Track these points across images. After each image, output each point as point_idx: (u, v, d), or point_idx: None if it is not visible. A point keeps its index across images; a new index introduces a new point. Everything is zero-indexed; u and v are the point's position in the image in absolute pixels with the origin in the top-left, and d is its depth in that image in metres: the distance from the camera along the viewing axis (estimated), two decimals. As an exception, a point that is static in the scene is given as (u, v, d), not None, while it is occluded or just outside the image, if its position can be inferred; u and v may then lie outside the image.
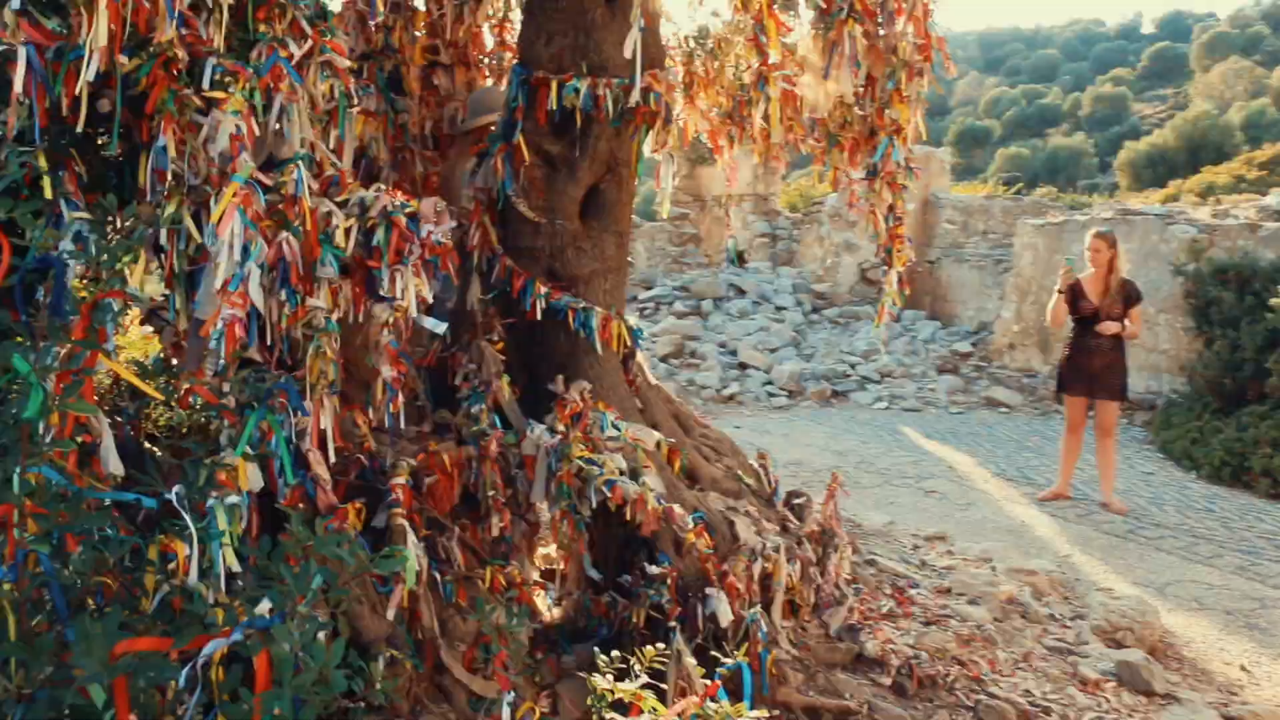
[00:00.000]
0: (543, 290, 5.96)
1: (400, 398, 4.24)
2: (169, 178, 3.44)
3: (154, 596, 2.76)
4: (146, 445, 5.14)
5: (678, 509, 5.50)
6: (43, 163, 3.53)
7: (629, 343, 6.22)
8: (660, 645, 4.04)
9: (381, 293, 4.05)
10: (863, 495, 10.62)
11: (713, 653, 5.25)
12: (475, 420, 5.71)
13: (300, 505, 4.57)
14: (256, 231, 3.40)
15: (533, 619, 5.64)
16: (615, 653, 3.94)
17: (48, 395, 2.45)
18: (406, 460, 5.37)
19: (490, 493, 5.51)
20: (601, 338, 6.02)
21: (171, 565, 2.80)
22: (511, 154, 5.87)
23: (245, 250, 3.37)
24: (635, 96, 5.61)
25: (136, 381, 3.11)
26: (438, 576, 5.21)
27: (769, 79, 5.59)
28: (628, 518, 5.41)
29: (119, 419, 5.06)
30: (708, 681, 4.84)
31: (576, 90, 5.61)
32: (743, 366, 16.42)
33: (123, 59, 3.24)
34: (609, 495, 5.35)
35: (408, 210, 4.13)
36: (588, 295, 6.04)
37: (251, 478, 3.28)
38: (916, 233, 18.90)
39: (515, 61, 6.02)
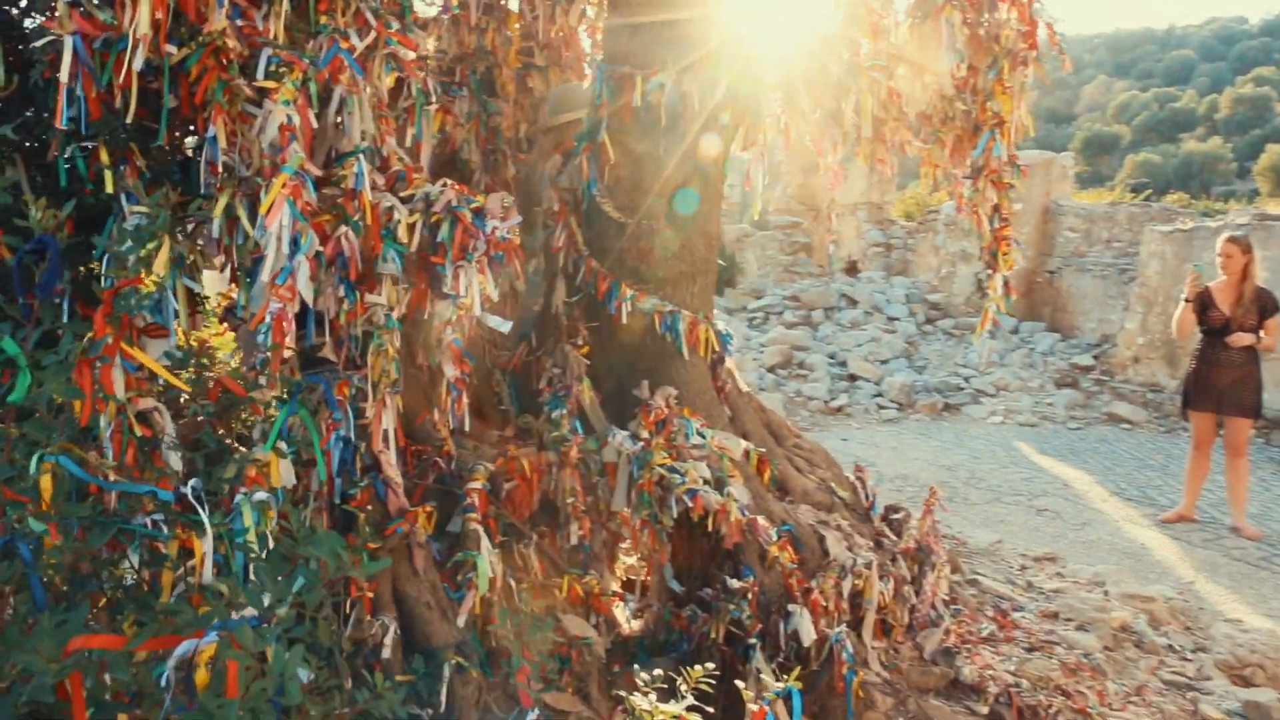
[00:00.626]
0: (629, 293, 5.76)
1: (465, 398, 4.04)
2: (220, 170, 3.33)
3: (171, 592, 2.63)
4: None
5: (762, 521, 5.23)
6: (104, 157, 3.48)
7: (718, 348, 5.97)
8: (710, 665, 3.78)
9: (445, 290, 3.88)
10: (970, 512, 10.14)
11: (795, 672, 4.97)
12: (556, 425, 5.53)
13: (369, 507, 4.48)
14: (307, 224, 3.26)
15: (611, 630, 5.43)
16: (658, 671, 3.70)
17: (35, 380, 2.33)
18: (484, 464, 5.22)
19: (569, 500, 5.33)
20: (689, 342, 5.80)
21: (191, 562, 2.66)
22: (597, 153, 5.69)
23: (295, 243, 3.23)
24: (722, 92, 5.38)
25: (162, 372, 3.00)
26: (513, 584, 5.05)
27: (859, 70, 5.28)
28: (710, 529, 5.17)
29: (204, 417, 5.03)
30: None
31: (662, 86, 5.40)
32: (852, 378, 15.96)
33: (170, 48, 3.14)
34: (690, 505, 5.12)
35: (473, 206, 3.97)
36: (675, 298, 5.82)
37: (284, 474, 3.13)
38: (1036, 241, 18.16)
39: (600, 57, 5.84)
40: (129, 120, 3.15)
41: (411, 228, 3.92)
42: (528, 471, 5.35)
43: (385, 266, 3.80)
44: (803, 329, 17.68)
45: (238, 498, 2.85)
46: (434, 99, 4.97)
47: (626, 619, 5.76)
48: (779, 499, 6.06)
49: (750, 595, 5.06)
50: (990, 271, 6.20)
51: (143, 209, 3.47)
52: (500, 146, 6.93)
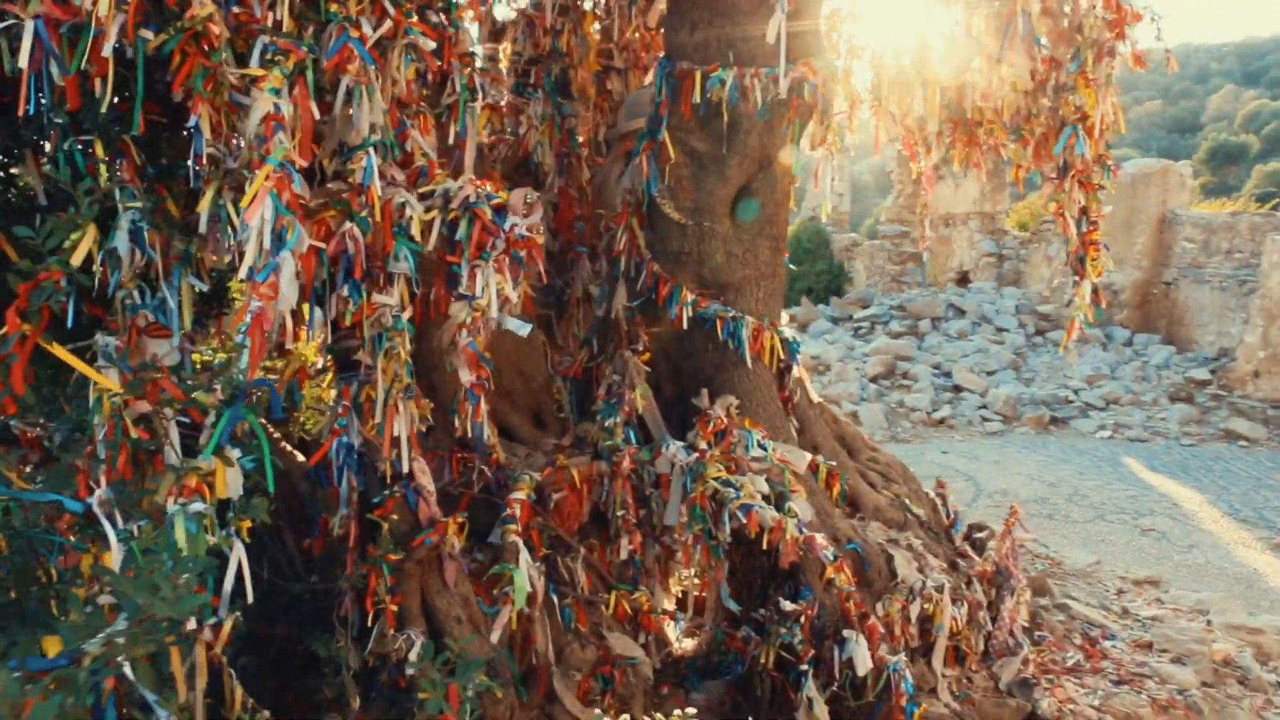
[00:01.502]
0: (690, 297, 5.34)
1: (484, 405, 3.68)
2: (208, 162, 3.04)
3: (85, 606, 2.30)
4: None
5: (821, 539, 4.74)
6: (99, 150, 3.23)
7: (784, 356, 5.50)
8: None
9: (461, 290, 3.53)
10: (1071, 531, 9.38)
11: (850, 703, 4.48)
12: (609, 434, 5.13)
13: (395, 516, 4.17)
14: (294, 218, 2.93)
15: (661, 650, 5.01)
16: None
17: None
18: (530, 474, 4.86)
19: (620, 512, 4.93)
20: (752, 350, 5.34)
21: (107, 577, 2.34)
22: (657, 152, 5.29)
23: (280, 239, 2.91)
24: (784, 87, 4.92)
25: (85, 369, 2.71)
26: (555, 599, 4.68)
27: (923, 64, 4.74)
28: (764, 547, 4.71)
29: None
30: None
31: (722, 82, 4.97)
32: (957, 389, 15.17)
33: (147, 34, 2.86)
34: (744, 521, 4.67)
35: (494, 202, 3.61)
36: (738, 303, 5.37)
37: (231, 484, 2.81)
38: (1151, 251, 17.03)
39: (661, 54, 5.44)
40: (103, 109, 2.87)
41: (429, 225, 3.57)
42: (577, 482, 4.96)
43: (397, 265, 3.46)
44: (908, 339, 16.93)
45: (172, 509, 2.54)
46: (482, 96, 4.61)
47: (677, 638, 5.32)
48: (848, 515, 5.56)
49: (803, 619, 4.57)
50: (1077, 278, 5.57)
51: (137, 204, 3.20)
52: (575, 149, 6.58)
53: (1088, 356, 15.81)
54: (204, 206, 2.99)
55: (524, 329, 3.68)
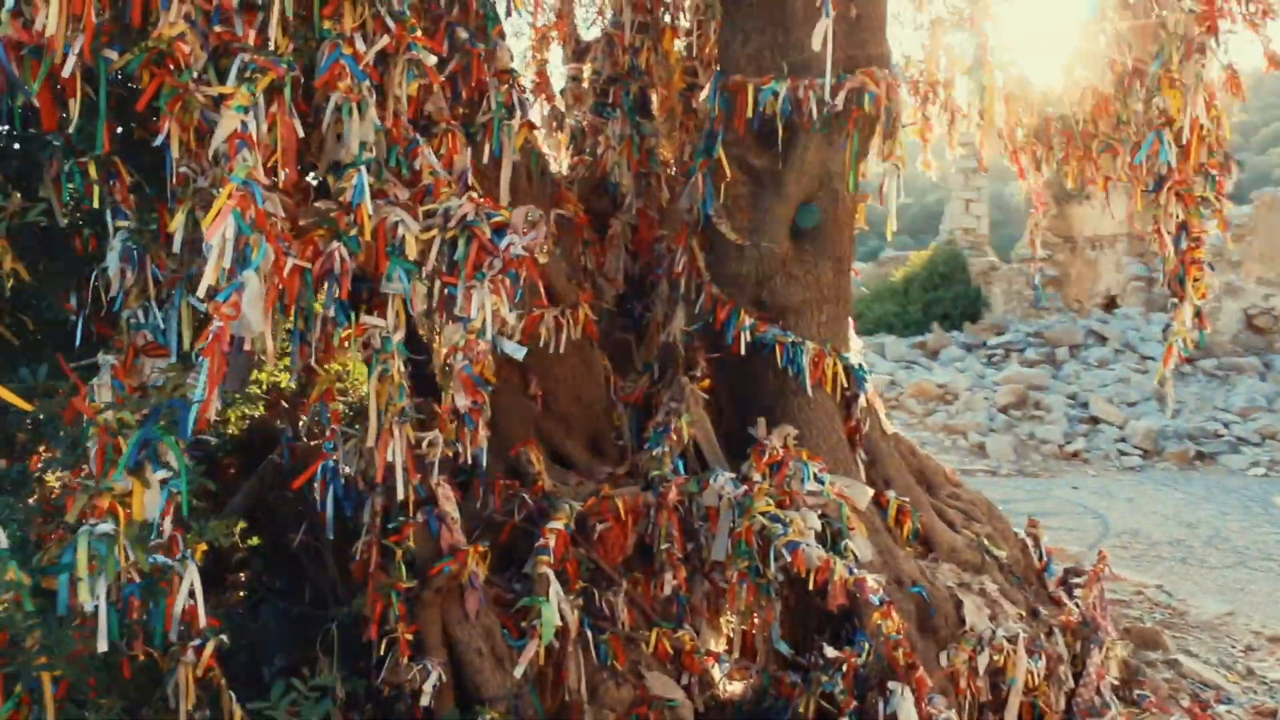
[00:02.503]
0: (748, 321, 5.06)
1: (481, 431, 3.50)
2: (182, 181, 2.97)
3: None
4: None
5: (874, 581, 4.37)
6: (93, 172, 3.21)
7: (848, 384, 5.14)
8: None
9: (457, 312, 3.36)
10: (1205, 577, 8.61)
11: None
12: (659, 463, 4.90)
13: (411, 543, 4.03)
14: (261, 237, 2.83)
15: (704, 692, 4.71)
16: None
17: None
18: (570, 504, 4.66)
19: (664, 545, 4.68)
20: (812, 377, 5.02)
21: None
22: (714, 170, 5.04)
23: (246, 257, 2.81)
24: (840, 98, 4.61)
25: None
26: (590, 634, 4.45)
27: (985, 65, 4.35)
28: (809, 587, 4.38)
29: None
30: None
31: (775, 94, 4.70)
32: (1094, 420, 14.27)
33: (111, 54, 2.80)
34: (789, 559, 4.36)
35: (494, 220, 3.44)
36: (799, 328, 5.06)
37: (149, 505, 2.69)
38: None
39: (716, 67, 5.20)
40: (71, 130, 2.83)
41: (428, 244, 3.43)
42: (622, 513, 4.74)
43: (390, 286, 3.32)
44: (1044, 367, 16.07)
45: (82, 529, 2.43)
46: (521, 113, 4.48)
47: (723, 680, 5.01)
48: (920, 556, 5.16)
49: (845, 666, 4.22)
50: (1177, 300, 5.05)
51: (126, 224, 3.16)
52: (654, 169, 6.38)
53: (1242, 387, 14.69)
54: (174, 226, 2.92)
55: (519, 352, 3.50)
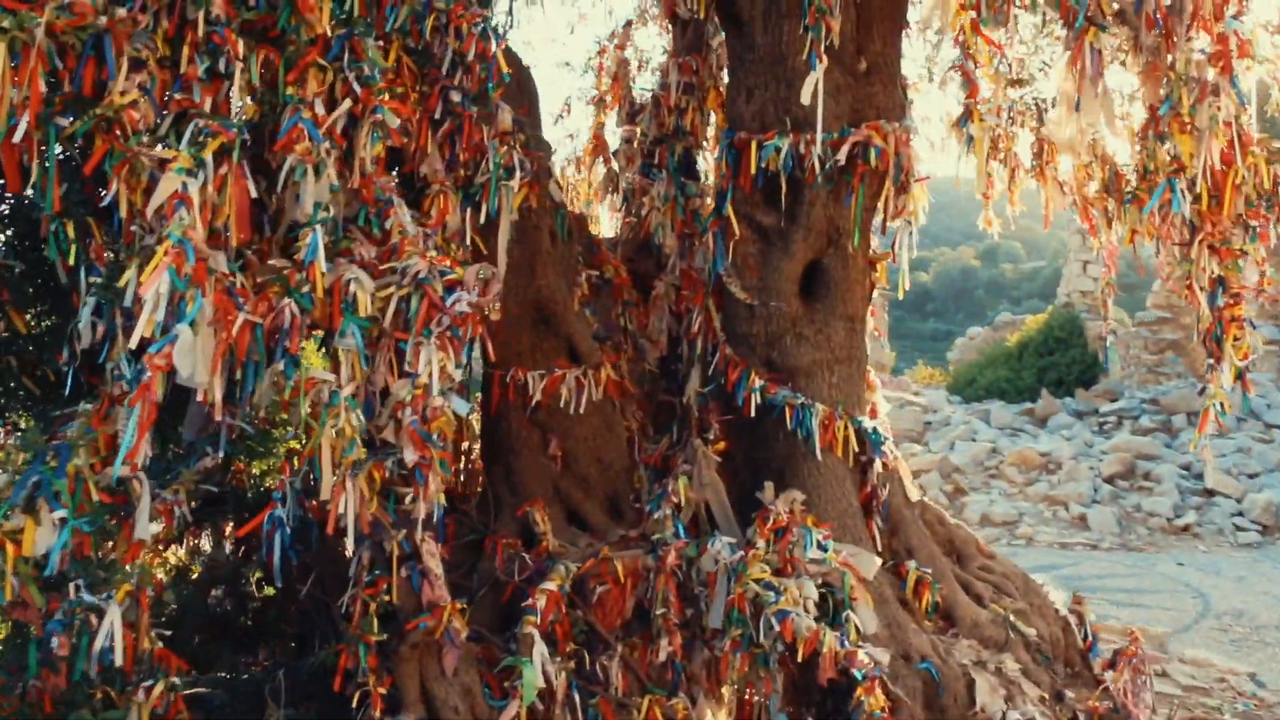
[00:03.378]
0: (758, 383, 4.94)
1: (431, 486, 3.48)
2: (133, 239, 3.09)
3: None
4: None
5: (865, 655, 4.15)
6: (70, 231, 3.35)
7: (859, 448, 4.95)
8: None
9: (406, 368, 3.38)
10: (1304, 664, 7.92)
11: None
12: (661, 526, 4.80)
13: (386, 597, 4.02)
14: (198, 292, 2.90)
15: (697, 765, 4.53)
16: None
17: None
18: (566, 565, 4.60)
19: (661, 610, 4.56)
20: (822, 441, 4.85)
21: None
22: (724, 228, 4.98)
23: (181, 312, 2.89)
24: (844, 153, 4.50)
25: None
26: (577, 698, 4.35)
27: (974, 115, 4.17)
28: (798, 659, 4.19)
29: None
30: None
31: (778, 149, 4.62)
32: (1208, 493, 13.40)
33: (63, 121, 2.94)
34: (779, 628, 4.18)
35: (447, 278, 3.46)
36: (809, 390, 4.92)
37: (40, 541, 2.74)
38: None
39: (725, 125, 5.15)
40: (27, 191, 2.97)
41: (387, 301, 3.47)
42: (621, 575, 4.65)
43: (343, 341, 3.36)
44: (1158, 436, 15.24)
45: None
46: (521, 173, 4.51)
47: (716, 753, 4.81)
48: (939, 630, 4.89)
49: (825, 748, 4.00)
50: (1213, 362, 4.70)
51: (99, 280, 3.30)
52: (699, 230, 6.35)
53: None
54: (123, 281, 3.01)
55: (464, 408, 3.48)
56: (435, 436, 3.52)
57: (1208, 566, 11.33)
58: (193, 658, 4.36)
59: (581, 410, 5.24)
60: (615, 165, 7.19)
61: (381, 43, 3.96)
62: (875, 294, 5.75)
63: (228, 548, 5.11)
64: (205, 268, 3.01)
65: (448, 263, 3.54)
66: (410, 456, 3.43)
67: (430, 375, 3.35)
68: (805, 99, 4.30)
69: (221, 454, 3.83)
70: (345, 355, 3.40)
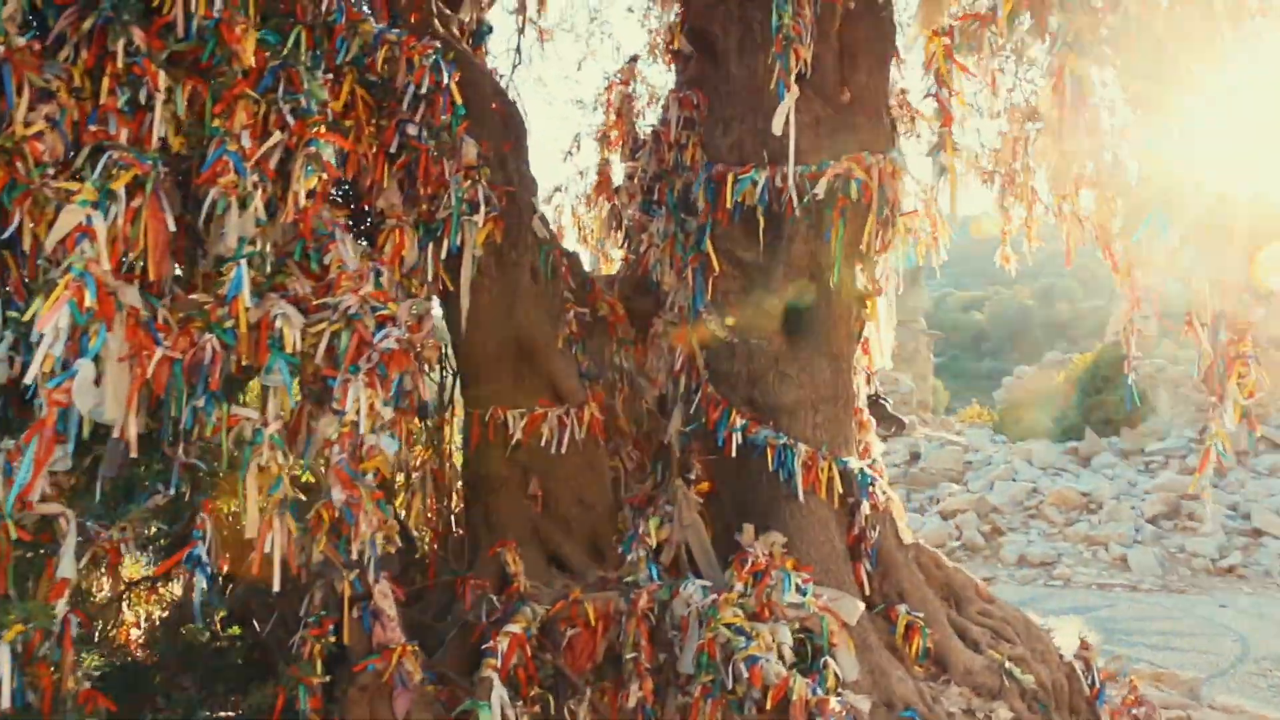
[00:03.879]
0: (739, 422, 4.76)
1: (362, 526, 3.34)
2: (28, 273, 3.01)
3: None
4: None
5: (838, 704, 3.92)
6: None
7: (844, 489, 4.73)
8: None
9: (333, 405, 3.26)
10: (1347, 717, 7.43)
11: None
12: (635, 569, 4.62)
13: (331, 638, 3.90)
14: (101, 325, 2.81)
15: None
16: None
17: None
18: (533, 607, 4.44)
19: (632, 655, 4.37)
20: (805, 482, 4.64)
21: None
22: (705, 264, 4.82)
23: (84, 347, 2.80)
24: (822, 186, 4.33)
25: None
26: (540, 744, 4.17)
27: (946, 144, 3.97)
28: (767, 706, 3.97)
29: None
30: None
31: (754, 182, 4.47)
32: (1255, 533, 12.83)
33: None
34: (748, 674, 3.97)
35: (379, 314, 3.34)
36: (791, 429, 4.71)
37: None
38: None
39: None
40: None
41: (319, 337, 3.36)
42: (592, 619, 4.48)
43: (270, 379, 3.25)
44: (1204, 475, 14.63)
45: None
46: (485, 209, 4.40)
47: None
48: (931, 677, 4.63)
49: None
50: (1215, 400, 4.42)
51: (16, 315, 3.22)
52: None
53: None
54: (28, 316, 2.93)
55: (392, 446, 3.33)
56: (369, 476, 3.40)
57: (1251, 609, 10.80)
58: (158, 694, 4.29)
59: (563, 450, 5.08)
60: (618, 201, 7.06)
61: (331, 75, 3.89)
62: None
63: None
64: (112, 302, 2.92)
65: (383, 298, 3.40)
66: (338, 496, 3.29)
67: (359, 412, 3.22)
68: (777, 130, 4.15)
69: (173, 491, 3.73)
70: (273, 392, 3.28)
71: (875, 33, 4.46)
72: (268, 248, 3.39)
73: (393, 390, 3.26)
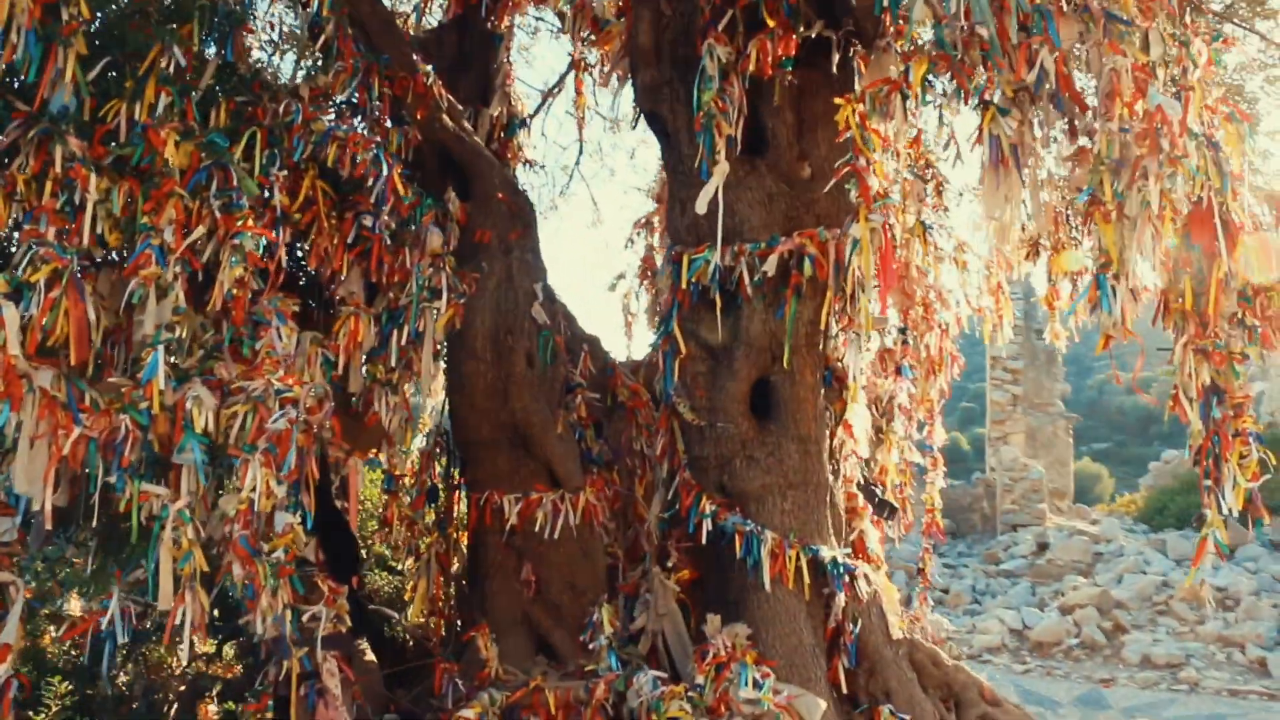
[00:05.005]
0: (709, 508, 4.60)
1: (264, 601, 3.36)
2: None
3: None
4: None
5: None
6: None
7: (811, 578, 4.47)
8: None
9: (235, 482, 3.34)
10: None
11: None
12: (597, 658, 4.49)
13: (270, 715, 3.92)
14: (6, 405, 3.00)
15: None
16: None
17: None
18: (491, 693, 4.37)
19: (587, 744, 4.23)
20: (772, 570, 4.44)
21: None
22: (675, 347, 4.73)
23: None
24: (772, 264, 4.21)
25: None
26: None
27: (860, 214, 3.77)
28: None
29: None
30: None
31: (707, 261, 4.38)
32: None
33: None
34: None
35: (283, 396, 3.41)
36: (759, 515, 4.56)
37: None
38: None
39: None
40: None
41: (233, 418, 3.45)
42: (552, 707, 4.36)
43: (181, 457, 3.36)
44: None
45: None
46: (449, 295, 4.48)
47: None
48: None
49: None
50: (1210, 484, 4.00)
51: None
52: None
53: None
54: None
55: (284, 520, 3.36)
56: (279, 553, 3.44)
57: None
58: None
59: (556, 535, 5.03)
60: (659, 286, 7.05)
61: (286, 174, 4.06)
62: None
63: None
64: (22, 384, 3.09)
65: (292, 382, 3.47)
66: (238, 572, 3.34)
67: (255, 490, 3.28)
68: (700, 208, 4.08)
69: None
70: (186, 470, 3.38)
71: (833, 106, 4.34)
72: (187, 334, 3.52)
73: (284, 468, 3.30)
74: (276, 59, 5.21)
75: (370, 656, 4.94)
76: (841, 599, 4.51)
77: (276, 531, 3.41)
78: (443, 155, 5.39)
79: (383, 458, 5.21)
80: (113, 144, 3.57)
